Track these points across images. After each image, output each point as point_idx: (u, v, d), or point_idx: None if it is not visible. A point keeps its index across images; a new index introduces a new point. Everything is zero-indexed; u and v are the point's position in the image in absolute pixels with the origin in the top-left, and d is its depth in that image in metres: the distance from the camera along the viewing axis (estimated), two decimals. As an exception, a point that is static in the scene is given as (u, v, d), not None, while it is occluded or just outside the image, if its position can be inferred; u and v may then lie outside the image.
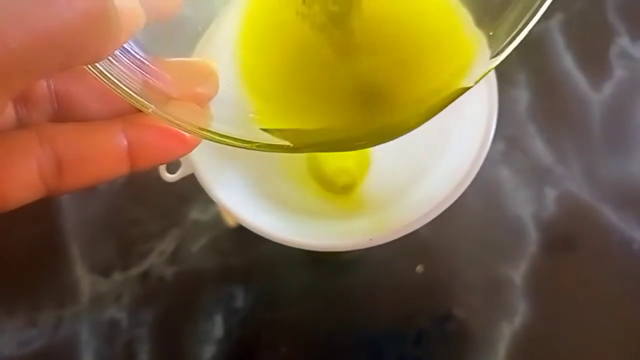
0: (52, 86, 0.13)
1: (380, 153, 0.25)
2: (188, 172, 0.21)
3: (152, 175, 0.21)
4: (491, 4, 0.14)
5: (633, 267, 0.31)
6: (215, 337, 0.31)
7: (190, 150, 0.14)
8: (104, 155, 0.13)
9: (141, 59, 0.13)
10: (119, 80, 0.12)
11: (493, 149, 0.29)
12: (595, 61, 0.35)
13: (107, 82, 0.12)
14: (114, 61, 0.12)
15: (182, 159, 0.21)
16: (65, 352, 0.31)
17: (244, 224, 0.20)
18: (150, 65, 0.13)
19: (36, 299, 0.32)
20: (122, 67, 0.12)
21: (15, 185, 0.12)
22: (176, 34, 0.15)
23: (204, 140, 0.14)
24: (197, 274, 0.32)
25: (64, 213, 0.33)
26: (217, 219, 0.33)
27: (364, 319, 0.31)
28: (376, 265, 0.32)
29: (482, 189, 0.33)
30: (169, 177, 0.21)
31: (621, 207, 0.32)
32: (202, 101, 0.14)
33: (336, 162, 0.26)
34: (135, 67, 0.12)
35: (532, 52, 0.35)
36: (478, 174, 0.20)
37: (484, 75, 0.14)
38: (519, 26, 0.13)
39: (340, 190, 0.25)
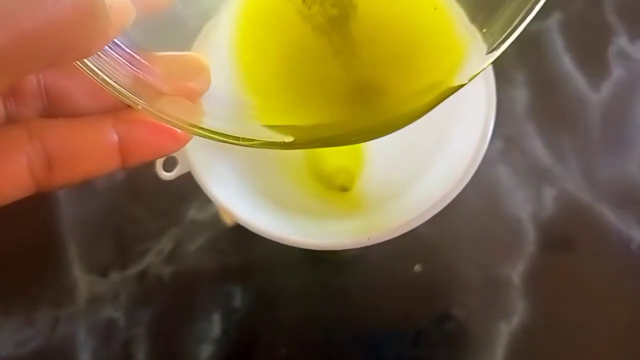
0: (42, 81, 0.13)
1: (378, 152, 0.25)
2: (185, 171, 0.21)
3: (149, 174, 0.21)
4: (486, 1, 0.14)
5: (631, 266, 0.31)
6: (213, 336, 0.31)
7: (182, 146, 0.14)
8: (94, 151, 0.13)
9: (131, 53, 0.13)
10: (108, 76, 0.12)
11: (491, 148, 0.29)
12: (593, 61, 0.35)
13: (95, 78, 0.12)
14: (103, 56, 0.12)
15: (178, 157, 0.21)
16: (63, 352, 0.31)
17: (241, 223, 0.20)
18: (141, 59, 0.13)
19: (33, 298, 0.32)
20: (111, 62, 0.12)
21: (4, 181, 0.12)
22: (174, 30, 0.15)
23: (200, 138, 0.14)
24: (194, 274, 0.32)
25: (61, 213, 0.33)
26: (215, 218, 0.33)
27: (362, 318, 0.31)
28: (374, 264, 0.32)
29: (480, 188, 0.33)
30: (165, 175, 0.21)
31: (620, 206, 0.32)
32: (194, 96, 0.14)
33: (335, 161, 0.26)
34: (125, 62, 0.12)
35: (531, 52, 0.35)
36: (476, 173, 0.20)
37: (478, 73, 0.14)
38: (514, 24, 0.13)
39: (338, 189, 0.25)
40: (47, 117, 0.13)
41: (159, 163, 0.21)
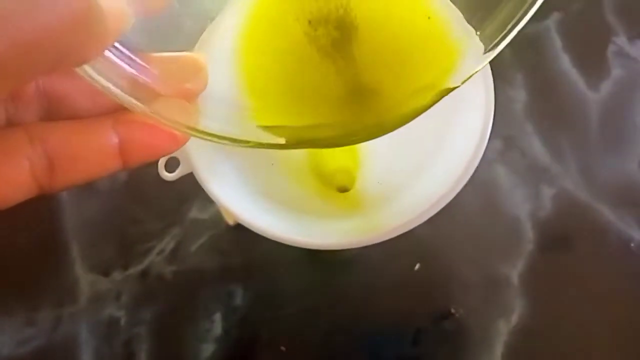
0: (42, 84, 0.13)
1: (378, 153, 0.25)
2: (187, 171, 0.21)
3: (151, 175, 0.21)
4: (482, 2, 0.14)
5: (630, 265, 0.32)
6: (215, 335, 0.31)
7: (181, 146, 0.14)
8: (95, 153, 0.13)
9: (129, 54, 0.13)
10: (106, 79, 0.12)
11: (490, 148, 0.29)
12: (592, 60, 0.36)
13: (93, 81, 0.12)
14: (100, 59, 0.12)
15: (180, 158, 0.21)
16: (65, 351, 0.31)
17: (243, 223, 0.21)
18: (138, 60, 0.13)
19: (35, 298, 0.32)
20: (109, 65, 0.12)
21: (6, 185, 0.12)
22: (175, 32, 0.15)
23: (203, 139, 0.14)
24: (196, 273, 0.32)
25: (64, 212, 0.33)
26: (217, 218, 0.33)
27: (362, 317, 0.31)
28: (374, 263, 0.32)
29: (479, 188, 0.33)
30: (168, 176, 0.21)
31: (618, 206, 0.32)
32: (191, 97, 0.14)
33: (335, 161, 0.26)
34: (123, 64, 0.12)
35: (530, 52, 0.36)
36: (475, 173, 0.20)
37: (474, 74, 0.14)
38: (510, 24, 0.13)
39: (338, 189, 0.25)
40: (47, 120, 0.13)
41: (161, 164, 0.21)
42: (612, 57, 0.35)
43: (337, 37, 0.16)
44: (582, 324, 0.31)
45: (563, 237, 0.32)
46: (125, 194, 0.33)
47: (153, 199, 0.33)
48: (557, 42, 0.36)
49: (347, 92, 0.16)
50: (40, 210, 0.33)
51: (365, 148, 0.25)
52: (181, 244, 0.32)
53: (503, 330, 0.30)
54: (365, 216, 0.22)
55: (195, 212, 0.33)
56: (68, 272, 0.32)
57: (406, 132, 0.23)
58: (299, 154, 0.26)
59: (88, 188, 0.33)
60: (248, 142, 0.14)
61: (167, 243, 0.33)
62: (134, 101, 0.12)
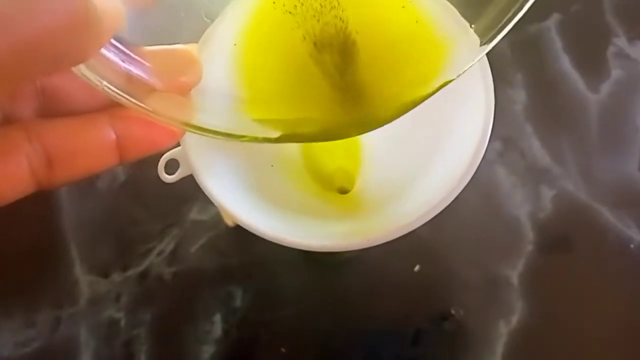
0: (38, 81, 0.13)
1: (377, 154, 0.25)
2: (186, 173, 0.21)
3: (150, 176, 0.21)
4: None
5: (630, 266, 0.32)
6: (214, 336, 0.31)
7: (178, 140, 0.14)
8: (92, 149, 0.13)
9: (123, 49, 0.13)
10: (101, 77, 0.12)
11: (490, 149, 0.29)
12: (592, 61, 0.36)
13: (89, 79, 0.12)
14: (96, 57, 0.12)
15: (180, 160, 0.21)
16: (64, 353, 0.31)
17: (242, 224, 0.21)
18: (132, 54, 0.13)
19: (35, 299, 0.32)
20: (103, 62, 0.12)
21: (5, 182, 0.12)
22: (177, 27, 0.15)
23: (201, 140, 0.14)
24: (196, 274, 0.32)
25: (63, 213, 0.33)
26: (216, 219, 0.33)
27: (362, 318, 0.31)
28: (374, 265, 0.32)
29: (479, 189, 0.33)
30: (167, 178, 0.21)
31: (618, 206, 0.32)
32: (185, 90, 0.14)
33: (334, 162, 0.26)
34: (117, 60, 0.12)
35: (529, 52, 0.36)
36: (475, 174, 0.20)
37: (467, 69, 0.14)
38: (504, 20, 0.13)
39: (337, 190, 0.25)
40: (44, 116, 0.13)
41: (161, 166, 0.21)
42: (612, 58, 0.36)
43: (334, 39, 0.16)
44: (582, 324, 0.31)
45: (563, 238, 0.32)
46: (124, 195, 0.33)
47: (153, 200, 0.33)
48: (557, 43, 0.36)
49: (342, 85, 0.16)
50: (39, 211, 0.33)
51: (365, 149, 0.25)
52: (181, 245, 0.32)
53: (503, 331, 0.31)
54: (364, 218, 0.21)
55: (195, 213, 0.33)
56: (67, 274, 0.32)
57: (406, 134, 0.23)
58: (298, 155, 0.26)
59: (87, 188, 0.33)
60: (243, 136, 0.14)
61: (167, 244, 0.33)
62: (129, 98, 0.12)
